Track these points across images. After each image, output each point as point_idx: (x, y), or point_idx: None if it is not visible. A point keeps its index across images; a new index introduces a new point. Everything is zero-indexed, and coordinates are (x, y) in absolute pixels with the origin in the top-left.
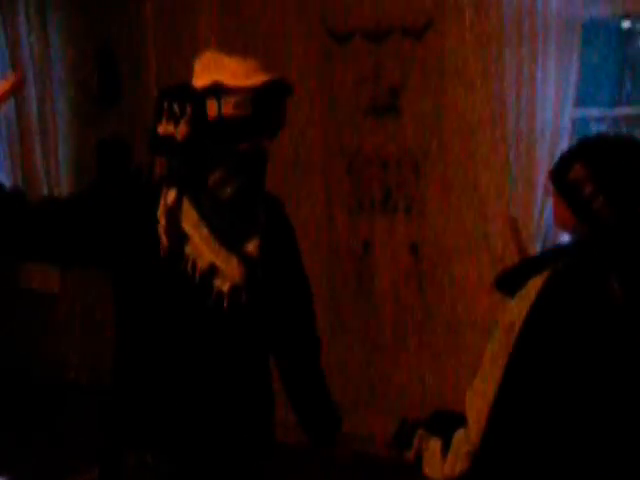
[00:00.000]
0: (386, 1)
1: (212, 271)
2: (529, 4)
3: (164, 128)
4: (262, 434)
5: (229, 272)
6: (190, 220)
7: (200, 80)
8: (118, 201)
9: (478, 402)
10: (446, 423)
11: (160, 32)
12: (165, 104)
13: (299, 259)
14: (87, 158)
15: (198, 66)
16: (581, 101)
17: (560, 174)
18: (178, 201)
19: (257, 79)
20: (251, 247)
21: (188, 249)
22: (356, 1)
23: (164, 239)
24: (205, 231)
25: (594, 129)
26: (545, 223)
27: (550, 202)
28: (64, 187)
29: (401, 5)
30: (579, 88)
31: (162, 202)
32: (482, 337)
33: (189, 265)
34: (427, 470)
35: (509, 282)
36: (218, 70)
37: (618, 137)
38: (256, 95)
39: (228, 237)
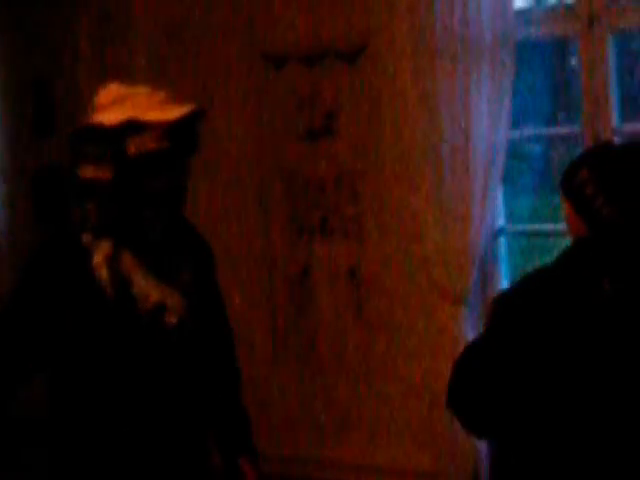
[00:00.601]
0: (319, 25)
1: (160, 308)
2: (462, 25)
3: (86, 172)
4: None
5: (175, 306)
6: (129, 264)
7: (109, 115)
8: (49, 281)
9: None
10: None
11: (95, 61)
12: (81, 147)
13: (218, 283)
14: (23, 189)
15: (103, 100)
16: (517, 121)
17: (568, 178)
18: (115, 247)
19: (174, 112)
20: (186, 277)
21: (133, 292)
22: (290, 25)
23: (109, 288)
24: (145, 271)
25: (530, 149)
26: (482, 241)
27: (487, 220)
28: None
29: (334, 29)
30: (515, 108)
31: (97, 252)
32: (421, 360)
33: (138, 307)
34: None
35: None
36: (130, 104)
37: (624, 144)
38: (174, 127)
39: (166, 273)
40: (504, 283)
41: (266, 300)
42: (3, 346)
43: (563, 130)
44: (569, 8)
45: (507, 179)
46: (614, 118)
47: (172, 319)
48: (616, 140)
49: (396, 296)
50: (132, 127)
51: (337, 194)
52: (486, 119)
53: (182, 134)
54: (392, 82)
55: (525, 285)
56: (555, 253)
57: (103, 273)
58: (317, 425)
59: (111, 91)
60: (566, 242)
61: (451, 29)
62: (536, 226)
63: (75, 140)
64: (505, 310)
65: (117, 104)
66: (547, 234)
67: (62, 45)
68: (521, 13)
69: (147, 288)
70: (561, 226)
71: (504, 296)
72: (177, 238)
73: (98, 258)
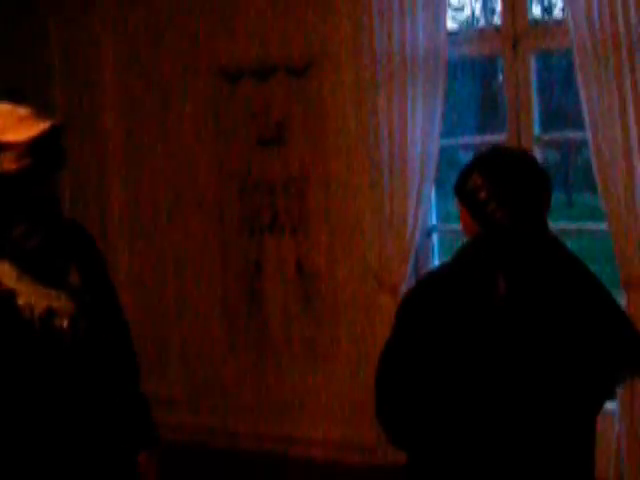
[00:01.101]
0: (271, 43)
1: (50, 313)
2: (399, 45)
3: None
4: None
5: (64, 308)
6: (9, 276)
7: None
8: None
9: None
10: None
11: (66, 71)
12: None
13: (109, 278)
14: None
15: None
16: (450, 131)
17: (461, 184)
18: None
19: (33, 129)
20: (73, 278)
21: (20, 302)
22: (245, 43)
23: None
24: (28, 280)
25: (461, 156)
26: (416, 238)
27: (420, 220)
28: None
29: (285, 47)
30: (448, 119)
31: None
32: (362, 344)
33: (26, 316)
34: None
35: None
36: None
37: (510, 150)
38: (35, 144)
39: (51, 277)
40: None
41: (221, 293)
42: None
43: (490, 138)
44: (496, 29)
45: (441, 183)
46: (535, 128)
47: (63, 323)
48: (511, 146)
49: (339, 287)
50: None
51: (286, 196)
52: (420, 129)
53: (45, 150)
54: (337, 96)
55: (425, 284)
56: None
57: None
58: (271, 404)
59: None
60: None
61: (390, 49)
62: None
63: None
64: (407, 311)
65: None
66: None
67: (34, 54)
68: (453, 34)
69: (33, 296)
70: None
71: (406, 297)
72: (60, 243)
73: None
